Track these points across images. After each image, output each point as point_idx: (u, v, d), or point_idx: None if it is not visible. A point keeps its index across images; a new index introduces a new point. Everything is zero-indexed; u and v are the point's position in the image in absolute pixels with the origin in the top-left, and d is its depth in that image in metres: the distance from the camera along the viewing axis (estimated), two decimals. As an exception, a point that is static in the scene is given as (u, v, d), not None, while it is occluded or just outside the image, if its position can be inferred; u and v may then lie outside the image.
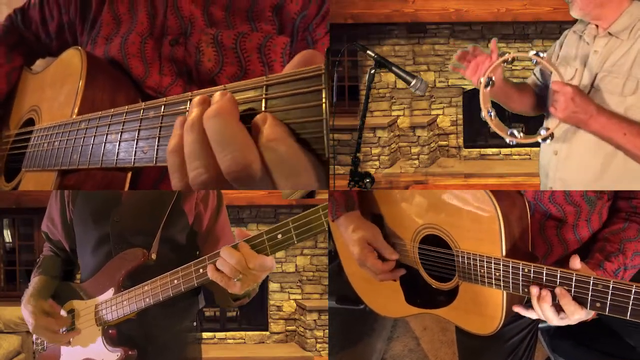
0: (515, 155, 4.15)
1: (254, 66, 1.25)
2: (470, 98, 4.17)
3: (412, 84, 1.83)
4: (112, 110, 0.89)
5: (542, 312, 1.10)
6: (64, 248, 1.60)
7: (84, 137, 0.96)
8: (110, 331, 1.39)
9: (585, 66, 1.41)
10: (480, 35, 4.12)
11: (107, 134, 0.88)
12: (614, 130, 1.29)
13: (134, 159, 0.80)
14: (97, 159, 0.91)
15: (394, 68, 1.83)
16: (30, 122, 1.37)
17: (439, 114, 4.19)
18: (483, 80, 1.37)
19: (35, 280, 1.52)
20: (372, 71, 1.85)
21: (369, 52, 1.85)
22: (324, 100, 0.58)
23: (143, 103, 0.81)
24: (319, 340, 3.90)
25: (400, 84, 3.69)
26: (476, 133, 4.19)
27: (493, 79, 1.37)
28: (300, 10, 1.27)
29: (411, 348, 2.59)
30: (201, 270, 1.19)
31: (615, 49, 1.37)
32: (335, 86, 2.32)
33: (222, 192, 1.55)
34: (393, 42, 4.09)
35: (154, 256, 1.38)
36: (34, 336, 1.54)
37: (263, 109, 0.62)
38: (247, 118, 0.63)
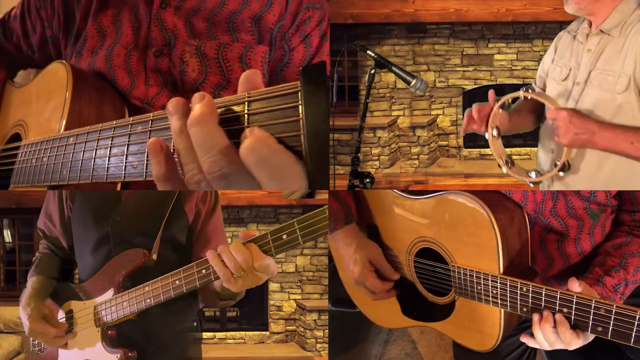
0: (516, 155, 4.15)
1: (237, 75, 1.28)
2: (470, 98, 4.17)
3: (412, 84, 1.83)
4: (101, 125, 0.89)
5: (544, 334, 1.06)
6: (62, 246, 1.58)
7: (73, 152, 0.96)
8: (109, 332, 1.38)
9: (579, 65, 1.42)
10: (480, 35, 4.12)
11: (96, 149, 0.89)
12: (621, 142, 1.28)
13: (124, 173, 0.81)
14: (87, 175, 0.91)
15: (394, 68, 1.83)
16: (17, 137, 1.36)
17: (439, 114, 4.19)
18: (489, 133, 1.43)
19: (33, 280, 1.51)
20: (372, 71, 1.84)
21: (369, 52, 1.84)
22: (301, 115, 0.62)
23: (131, 118, 0.82)
24: (319, 340, 3.90)
25: (400, 84, 3.69)
26: (476, 133, 4.18)
27: (499, 127, 1.43)
28: (277, 21, 1.31)
29: (408, 352, 2.58)
30: (204, 271, 1.19)
31: (607, 46, 1.37)
32: (335, 86, 2.32)
33: (219, 192, 1.55)
34: (393, 42, 4.09)
35: (154, 257, 1.38)
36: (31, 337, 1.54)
37: (246, 123, 0.66)
38: (233, 132, 0.67)
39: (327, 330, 3.77)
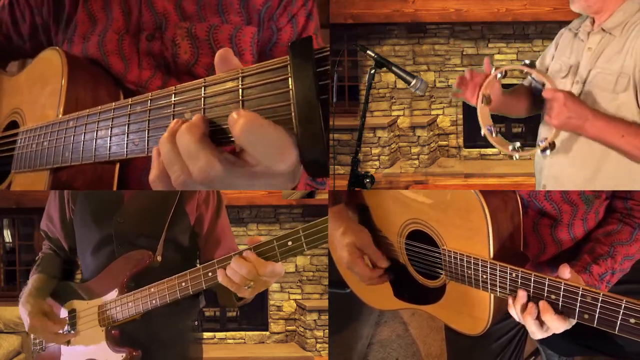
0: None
1: None
2: (470, 98, 4.17)
3: (412, 84, 1.83)
4: (100, 107, 0.92)
5: (526, 324, 1.07)
6: (62, 247, 1.59)
7: (74, 135, 0.99)
8: (113, 332, 1.39)
9: (579, 63, 1.41)
10: (480, 35, 4.12)
11: (97, 130, 0.92)
12: (611, 133, 1.28)
13: (126, 151, 0.85)
14: (90, 155, 0.94)
15: (394, 68, 1.83)
16: (14, 124, 1.37)
17: (439, 114, 4.19)
18: (480, 97, 1.40)
19: (34, 278, 1.52)
20: (372, 71, 1.84)
21: (369, 52, 1.84)
22: (290, 86, 0.66)
23: (130, 99, 0.85)
24: (319, 340, 3.90)
25: (400, 84, 3.69)
26: (476, 133, 4.17)
27: (490, 95, 1.40)
28: (265, 2, 1.35)
29: (399, 333, 2.57)
30: (210, 274, 1.21)
31: (608, 45, 1.37)
32: (335, 86, 2.31)
33: (221, 192, 1.56)
34: (393, 42, 4.09)
35: (159, 258, 1.39)
36: (32, 335, 1.54)
37: (241, 97, 0.71)
38: (230, 107, 0.72)
39: (327, 330, 3.77)
